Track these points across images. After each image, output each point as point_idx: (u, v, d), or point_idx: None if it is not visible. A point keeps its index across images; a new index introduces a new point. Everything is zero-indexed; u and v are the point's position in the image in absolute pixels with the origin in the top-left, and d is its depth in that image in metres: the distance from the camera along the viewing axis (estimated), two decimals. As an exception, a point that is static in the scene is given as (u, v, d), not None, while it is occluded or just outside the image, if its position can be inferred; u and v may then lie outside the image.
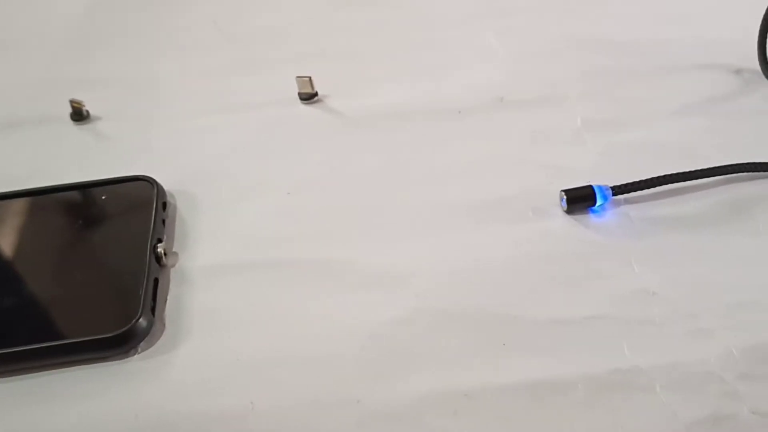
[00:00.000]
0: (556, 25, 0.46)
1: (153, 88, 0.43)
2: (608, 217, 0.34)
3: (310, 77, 0.41)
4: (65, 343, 0.29)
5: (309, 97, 0.41)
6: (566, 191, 0.34)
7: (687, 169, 0.35)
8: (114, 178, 0.36)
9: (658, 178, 0.34)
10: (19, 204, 0.35)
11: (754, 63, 0.41)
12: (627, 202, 0.34)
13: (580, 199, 0.34)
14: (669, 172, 0.34)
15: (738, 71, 0.42)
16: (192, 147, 0.39)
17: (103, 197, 0.35)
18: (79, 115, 0.41)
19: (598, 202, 0.34)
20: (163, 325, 0.31)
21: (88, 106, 0.41)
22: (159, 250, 0.32)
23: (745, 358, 0.28)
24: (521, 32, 0.46)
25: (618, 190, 0.34)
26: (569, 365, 0.29)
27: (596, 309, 0.30)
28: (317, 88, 0.41)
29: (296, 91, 0.41)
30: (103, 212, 0.35)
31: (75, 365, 0.29)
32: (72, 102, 0.41)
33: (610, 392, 0.28)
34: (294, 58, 0.44)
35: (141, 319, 0.30)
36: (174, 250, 0.34)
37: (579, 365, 0.29)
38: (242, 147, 0.39)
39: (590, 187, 0.34)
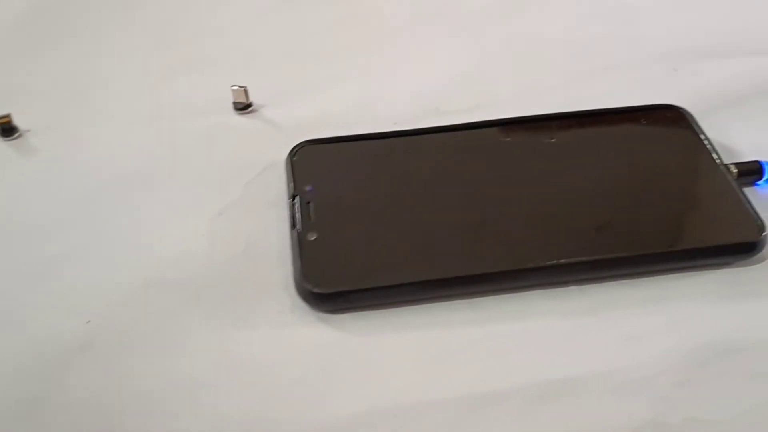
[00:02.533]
0: (494, 28, 0.46)
1: (83, 97, 0.42)
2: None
3: (245, 87, 0.40)
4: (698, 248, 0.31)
5: (244, 107, 0.40)
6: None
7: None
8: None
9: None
10: None
11: (693, 60, 0.42)
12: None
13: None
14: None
15: (675, 69, 0.42)
16: (123, 158, 0.38)
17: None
18: (8, 131, 0.40)
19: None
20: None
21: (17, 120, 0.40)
22: None
23: (678, 363, 0.28)
24: (461, 39, 0.45)
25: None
26: (504, 376, 0.28)
27: (531, 320, 0.30)
28: (253, 96, 0.40)
29: (230, 100, 0.40)
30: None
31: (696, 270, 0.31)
32: (-1, 118, 0.39)
33: (546, 401, 0.28)
34: (228, 66, 0.43)
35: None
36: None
37: (514, 375, 0.28)
38: (172, 157, 0.38)
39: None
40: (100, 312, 0.31)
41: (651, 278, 0.31)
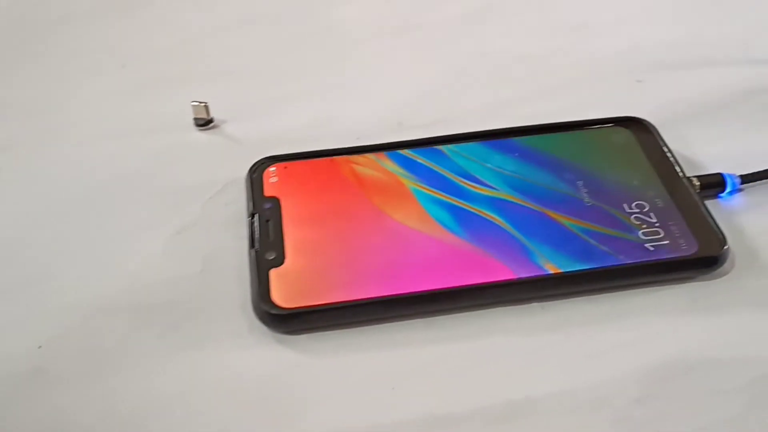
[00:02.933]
0: (456, 43, 0.46)
1: (41, 117, 0.41)
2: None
3: (206, 103, 0.39)
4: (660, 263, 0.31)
5: (204, 123, 0.40)
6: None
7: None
8: None
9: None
10: None
11: (656, 72, 0.42)
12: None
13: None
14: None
15: (639, 80, 0.42)
16: (78, 178, 0.37)
17: None
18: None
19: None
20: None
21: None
22: None
23: (637, 382, 0.28)
24: (423, 54, 0.45)
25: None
26: (464, 397, 0.28)
27: (492, 339, 0.30)
28: (214, 112, 0.40)
29: (191, 116, 0.40)
30: None
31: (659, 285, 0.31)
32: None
33: (507, 422, 0.27)
34: (189, 81, 0.43)
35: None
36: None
37: (475, 396, 0.28)
38: (129, 176, 0.37)
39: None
40: (52, 336, 0.30)
41: (613, 294, 0.31)
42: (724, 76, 0.42)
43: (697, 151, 0.37)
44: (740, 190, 0.35)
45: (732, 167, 0.35)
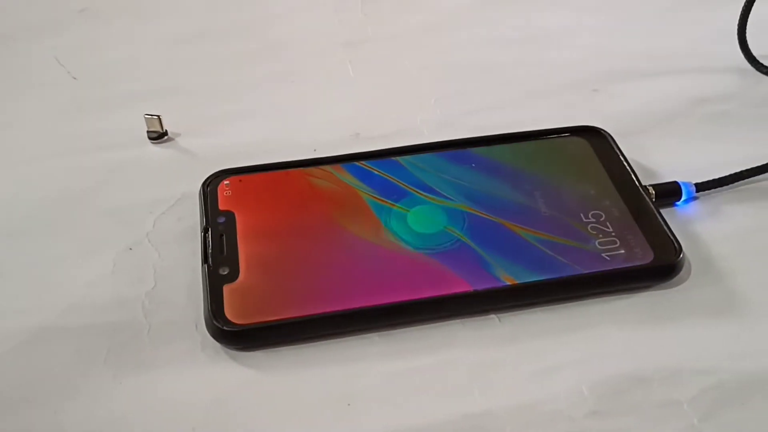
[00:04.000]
0: (412, 54, 0.46)
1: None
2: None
3: (159, 116, 0.39)
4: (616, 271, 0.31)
5: (158, 137, 0.39)
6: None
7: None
8: None
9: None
10: None
11: (612, 82, 0.42)
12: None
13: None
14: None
15: (595, 90, 0.42)
16: (27, 195, 0.36)
17: None
18: None
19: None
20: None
21: None
22: None
23: (593, 394, 0.28)
24: (379, 65, 0.45)
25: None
26: (421, 412, 0.28)
27: (449, 352, 0.29)
28: (167, 126, 0.39)
29: (145, 130, 0.39)
30: None
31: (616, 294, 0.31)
32: None
33: (464, 438, 0.27)
34: (142, 95, 0.42)
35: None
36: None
37: (432, 411, 0.28)
38: (79, 192, 0.36)
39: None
40: (-6, 360, 0.29)
41: (571, 304, 0.31)
42: (678, 86, 0.42)
43: (653, 159, 0.37)
44: (695, 198, 0.35)
45: (687, 176, 0.35)
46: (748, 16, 0.41)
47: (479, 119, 0.40)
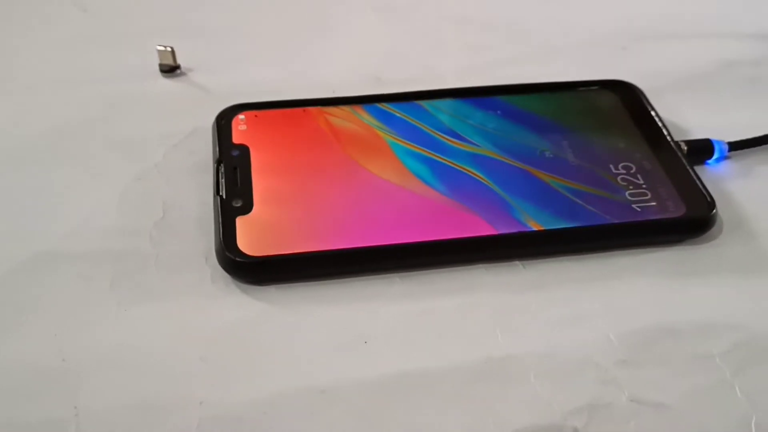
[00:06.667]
0: (438, 3, 0.44)
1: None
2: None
3: (172, 48, 0.37)
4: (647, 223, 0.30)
5: (170, 70, 0.37)
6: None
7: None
8: None
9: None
10: None
11: (641, 40, 0.41)
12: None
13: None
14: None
15: (624, 48, 0.41)
16: (33, 123, 0.35)
17: None
18: None
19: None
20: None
21: None
22: None
23: (622, 344, 0.27)
24: (401, 10, 0.43)
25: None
26: (440, 354, 0.26)
27: (471, 296, 0.28)
28: (181, 60, 0.38)
29: (157, 63, 0.37)
30: None
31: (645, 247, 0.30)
32: None
33: (483, 383, 0.26)
34: (157, 32, 0.40)
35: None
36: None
37: (451, 353, 0.26)
38: (88, 122, 0.35)
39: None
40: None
41: (598, 255, 0.30)
42: (710, 48, 0.41)
43: (682, 118, 0.36)
44: (727, 157, 0.34)
45: (717, 136, 0.34)
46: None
47: (505, 72, 0.38)
